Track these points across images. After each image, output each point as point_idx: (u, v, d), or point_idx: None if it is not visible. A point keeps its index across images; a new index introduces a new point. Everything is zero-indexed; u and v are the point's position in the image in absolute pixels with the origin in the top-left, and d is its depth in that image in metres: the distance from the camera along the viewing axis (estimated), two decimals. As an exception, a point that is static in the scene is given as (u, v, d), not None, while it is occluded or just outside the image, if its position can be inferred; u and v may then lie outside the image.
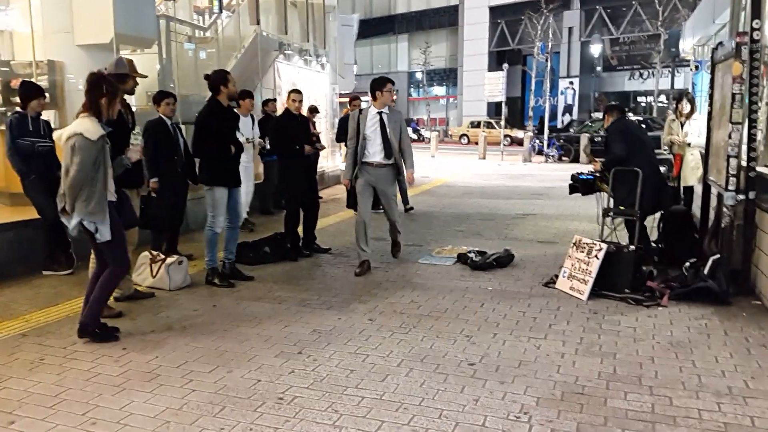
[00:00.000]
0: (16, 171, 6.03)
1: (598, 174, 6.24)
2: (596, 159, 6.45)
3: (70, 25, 7.39)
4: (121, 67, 5.04)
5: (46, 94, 6.48)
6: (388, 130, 6.19)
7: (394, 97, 6.44)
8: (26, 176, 5.98)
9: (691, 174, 7.61)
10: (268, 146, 8.49)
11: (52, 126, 6.51)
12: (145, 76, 5.35)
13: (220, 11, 11.38)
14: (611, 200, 6.07)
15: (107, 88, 4.33)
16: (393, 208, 6.48)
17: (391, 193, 6.43)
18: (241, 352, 4.15)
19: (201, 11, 12.18)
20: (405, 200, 9.76)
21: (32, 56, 7.51)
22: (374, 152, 6.23)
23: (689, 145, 7.59)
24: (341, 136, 10.29)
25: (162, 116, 6.42)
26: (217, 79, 5.71)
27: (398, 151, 6.29)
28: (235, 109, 6.50)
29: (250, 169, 8.28)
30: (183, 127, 6.95)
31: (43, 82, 7.17)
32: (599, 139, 20.84)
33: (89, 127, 4.20)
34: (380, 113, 6.24)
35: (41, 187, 6.02)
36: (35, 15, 7.56)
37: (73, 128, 4.24)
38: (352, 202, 8.01)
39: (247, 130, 8.23)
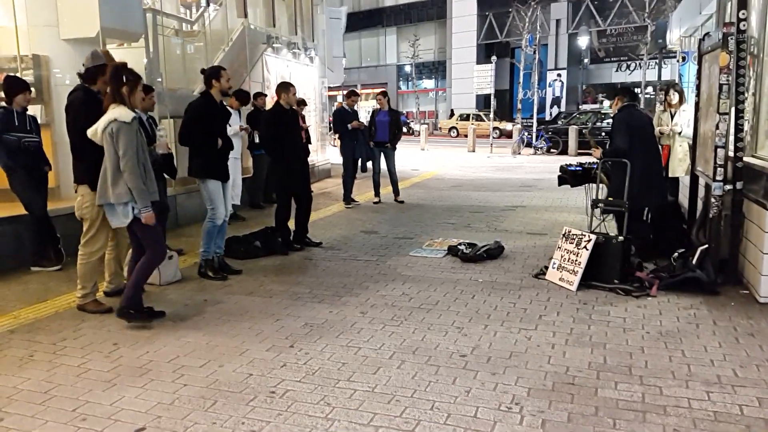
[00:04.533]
0: (1, 166, 5.97)
1: (597, 163, 6.11)
2: (598, 146, 6.18)
3: (55, 19, 7.29)
4: (98, 59, 4.99)
5: (32, 89, 6.40)
6: None
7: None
8: (12, 171, 5.94)
9: (678, 165, 7.67)
10: (257, 140, 8.60)
11: (39, 121, 6.43)
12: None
13: (208, 4, 11.26)
14: (599, 191, 6.08)
15: (127, 76, 4.48)
16: None
17: None
18: (232, 346, 4.14)
19: (188, 4, 12.05)
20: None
21: (17, 51, 7.41)
22: None
23: (680, 133, 7.64)
24: (337, 126, 10.53)
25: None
26: (210, 74, 5.81)
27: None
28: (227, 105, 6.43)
29: (238, 161, 8.32)
30: (172, 120, 6.84)
31: (28, 76, 7.08)
32: (585, 130, 20.95)
33: (121, 112, 4.37)
34: None
35: (28, 182, 5.99)
36: (19, 9, 7.45)
37: (107, 117, 4.38)
38: None
39: (236, 123, 8.34)
